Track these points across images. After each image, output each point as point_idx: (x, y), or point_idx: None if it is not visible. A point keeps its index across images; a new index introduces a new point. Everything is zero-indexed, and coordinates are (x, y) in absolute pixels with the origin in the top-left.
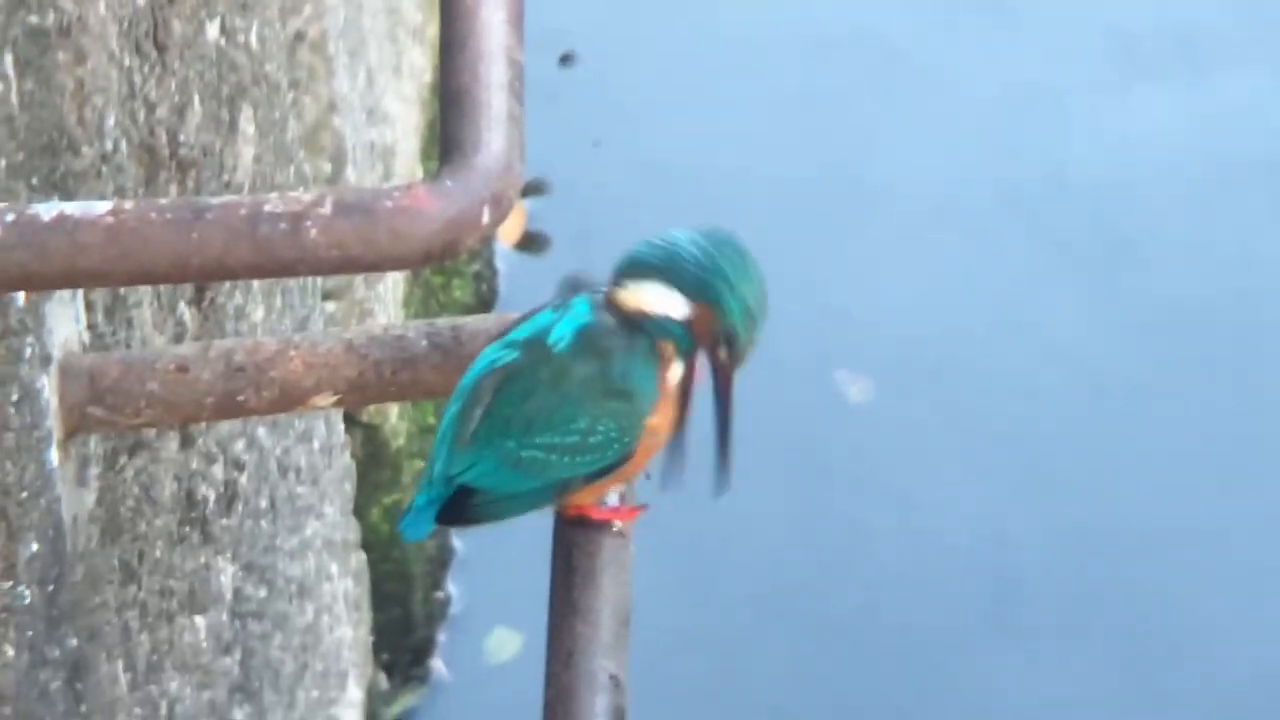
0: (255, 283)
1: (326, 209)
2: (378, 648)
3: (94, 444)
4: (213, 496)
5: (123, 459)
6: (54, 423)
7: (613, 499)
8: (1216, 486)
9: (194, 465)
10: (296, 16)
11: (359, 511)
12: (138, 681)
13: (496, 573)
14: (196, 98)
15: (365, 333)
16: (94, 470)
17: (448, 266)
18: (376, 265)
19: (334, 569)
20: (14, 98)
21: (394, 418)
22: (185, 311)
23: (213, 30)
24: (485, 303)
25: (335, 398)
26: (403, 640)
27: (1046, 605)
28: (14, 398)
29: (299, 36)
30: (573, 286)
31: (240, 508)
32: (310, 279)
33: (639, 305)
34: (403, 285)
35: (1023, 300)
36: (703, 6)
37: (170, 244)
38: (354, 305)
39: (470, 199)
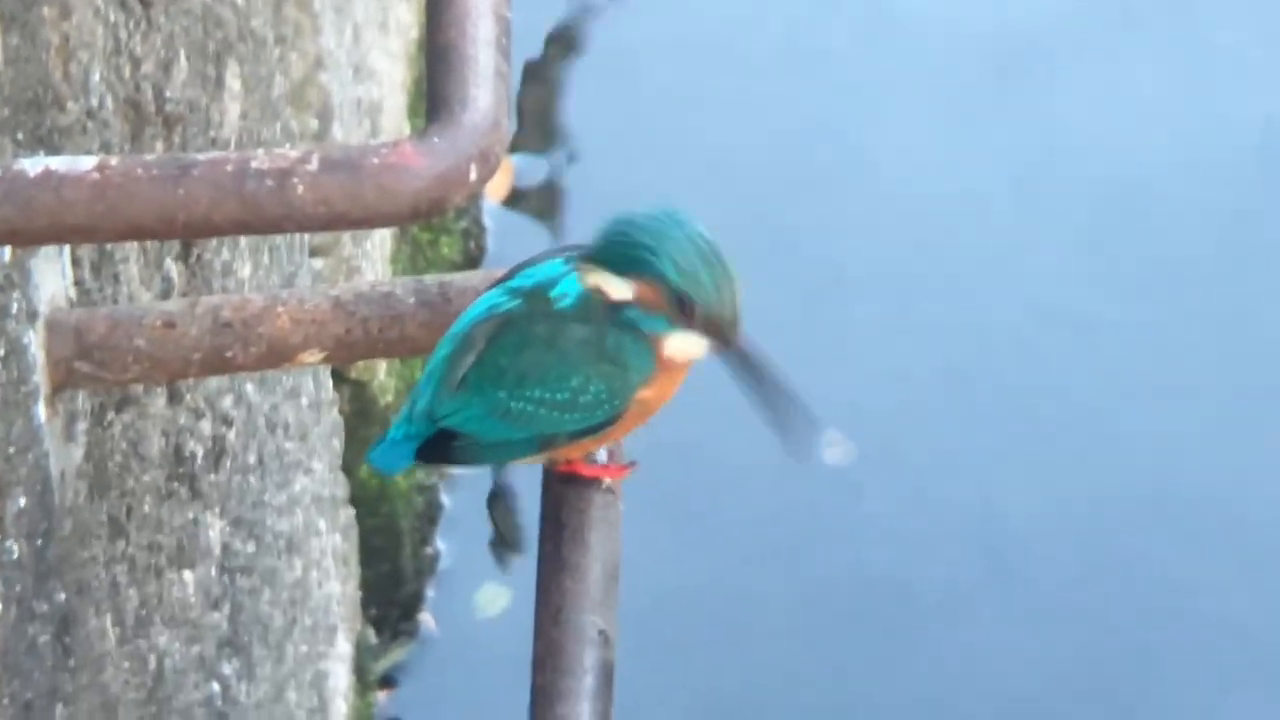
0: (242, 239)
1: (313, 165)
2: (366, 603)
3: (81, 400)
4: (201, 452)
5: (110, 414)
6: (41, 378)
7: (602, 456)
8: (1213, 449)
9: (182, 421)
10: None
11: (347, 467)
12: (126, 636)
13: (485, 528)
14: (182, 53)
15: (353, 289)
16: (81, 426)
17: (435, 223)
18: (364, 222)
19: (322, 524)
20: None
21: (382, 374)
22: (172, 268)
23: None
24: (473, 259)
25: (323, 354)
26: (391, 595)
27: (1040, 564)
28: (1, 353)
29: None
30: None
31: (228, 463)
32: (297, 236)
33: (596, 284)
34: (390, 242)
35: (1017, 259)
36: None
37: (156, 200)
38: (341, 262)
39: (457, 155)
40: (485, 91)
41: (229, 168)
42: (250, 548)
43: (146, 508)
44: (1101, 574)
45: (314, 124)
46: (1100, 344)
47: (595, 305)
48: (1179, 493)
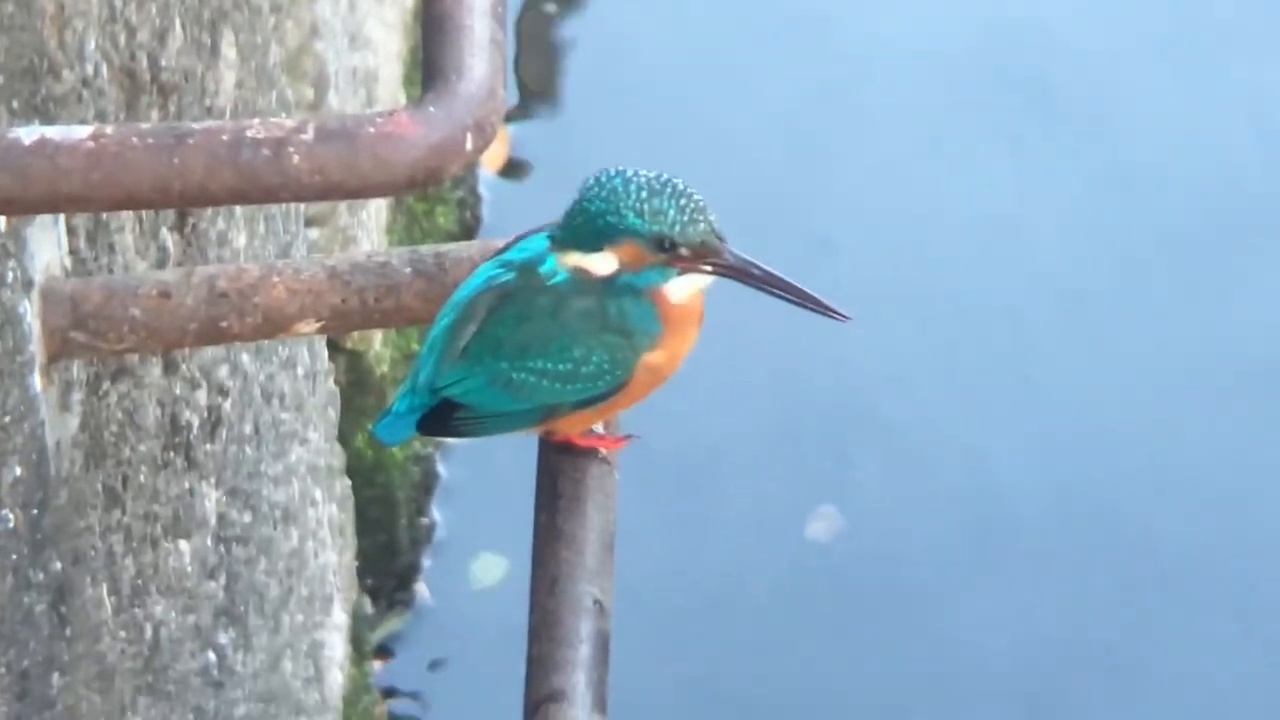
0: (238, 209)
1: (309, 135)
2: (362, 573)
3: (77, 369)
4: (196, 422)
5: (106, 384)
6: (36, 348)
7: (599, 427)
8: (1206, 421)
9: (177, 391)
10: None
11: (343, 438)
12: (122, 605)
13: (482, 498)
14: (178, 22)
15: (349, 259)
16: (77, 395)
17: (431, 193)
18: (359, 192)
19: (318, 494)
20: None
21: (378, 344)
22: (168, 237)
23: None
24: (469, 230)
25: (318, 324)
26: (388, 565)
27: (1031, 538)
28: None
29: None
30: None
31: (224, 433)
32: (293, 205)
33: (575, 265)
34: (386, 212)
35: (1009, 226)
36: None
37: (152, 169)
38: (337, 232)
39: (453, 125)
40: (481, 61)
41: (224, 137)
42: (246, 518)
43: (142, 477)
44: (1093, 547)
45: (309, 93)
46: (1093, 317)
47: (586, 282)
48: (1171, 465)
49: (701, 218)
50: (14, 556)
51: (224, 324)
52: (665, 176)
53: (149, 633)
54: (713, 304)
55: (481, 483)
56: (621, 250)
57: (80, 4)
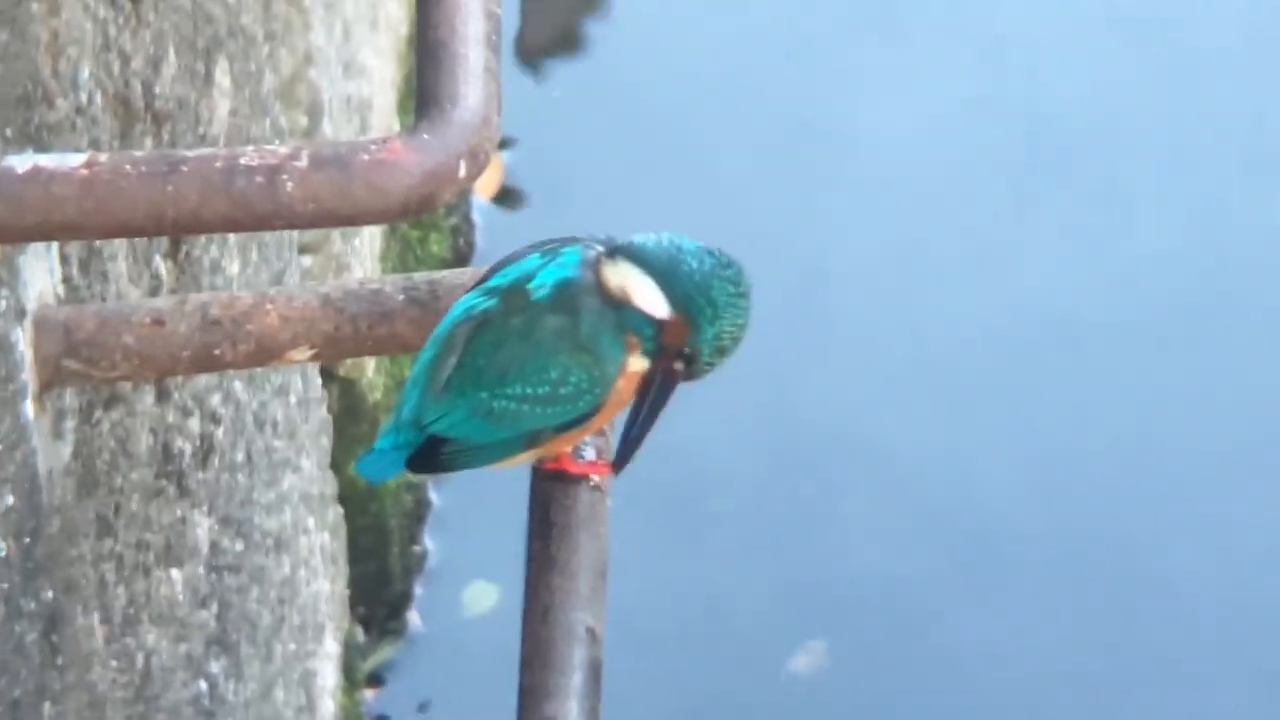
0: (231, 236)
1: (303, 162)
2: (354, 601)
3: (69, 397)
4: (189, 450)
5: (98, 412)
6: (29, 376)
7: (590, 454)
8: (1190, 436)
9: (170, 419)
10: None
11: (336, 465)
12: (114, 634)
13: (474, 526)
14: (171, 50)
15: (342, 287)
16: (70, 423)
17: (425, 220)
18: (353, 219)
19: (311, 523)
20: None
21: (371, 372)
22: (161, 265)
23: None
24: (462, 257)
25: (312, 352)
26: (380, 593)
27: (1023, 560)
28: None
29: None
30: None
31: (217, 461)
32: (286, 233)
33: (624, 289)
34: (380, 239)
35: (999, 254)
36: None
37: (146, 197)
38: (330, 259)
39: (447, 153)
40: (475, 89)
41: (218, 164)
42: (238, 546)
43: (134, 506)
44: (1085, 569)
45: (304, 121)
46: (1083, 343)
47: (573, 296)
48: (1162, 490)
49: (718, 367)
50: (5, 585)
51: (217, 351)
52: (746, 320)
53: (141, 662)
54: None
55: (473, 510)
56: (677, 324)
57: (74, 32)
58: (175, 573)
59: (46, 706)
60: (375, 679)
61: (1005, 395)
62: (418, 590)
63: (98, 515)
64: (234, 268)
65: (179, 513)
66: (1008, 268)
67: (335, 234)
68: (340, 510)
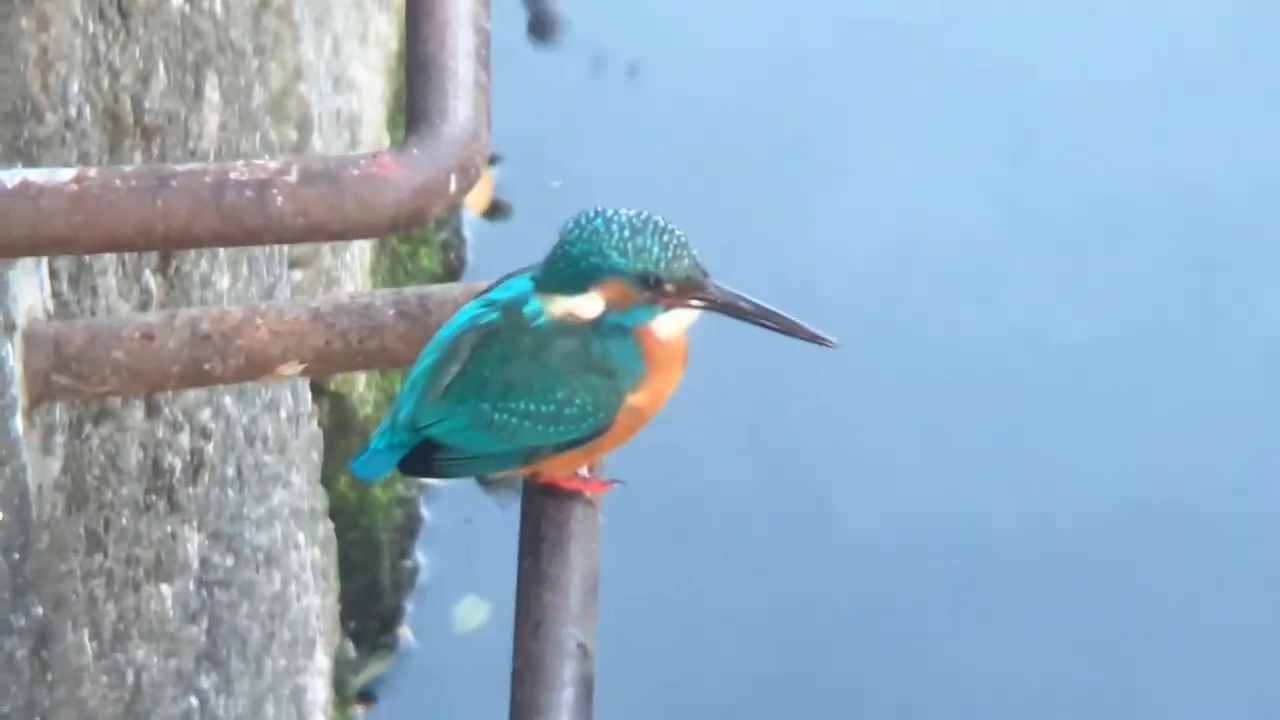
0: (221, 251)
1: (292, 177)
2: (345, 616)
3: (59, 412)
4: (179, 465)
5: (88, 427)
6: (19, 390)
7: (583, 470)
8: (1184, 459)
9: (160, 434)
10: None
11: (326, 480)
12: (104, 650)
13: (465, 541)
14: (161, 64)
15: (332, 301)
16: (59, 438)
17: (415, 235)
18: (343, 233)
19: (301, 538)
20: None
21: (361, 386)
22: (151, 279)
23: None
24: (453, 271)
25: (302, 366)
26: (371, 609)
27: (1013, 577)
28: None
29: (264, 3)
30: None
31: (207, 476)
32: (277, 247)
33: (570, 313)
34: (370, 254)
35: (990, 269)
36: None
37: (135, 211)
38: (321, 274)
39: (437, 167)
40: (465, 103)
41: (208, 179)
42: (229, 561)
43: (124, 521)
44: (1075, 587)
45: (293, 135)
46: (1075, 360)
47: (570, 324)
48: (1152, 506)
49: (685, 253)
50: None
51: (207, 366)
52: (646, 214)
53: (130, 678)
54: (695, 347)
55: (465, 526)
56: (607, 290)
57: (64, 47)
58: (165, 588)
59: None
60: (366, 694)
61: (996, 415)
62: (409, 605)
63: (87, 530)
64: (224, 282)
65: (169, 528)
66: (999, 287)
67: (325, 248)
68: (331, 525)
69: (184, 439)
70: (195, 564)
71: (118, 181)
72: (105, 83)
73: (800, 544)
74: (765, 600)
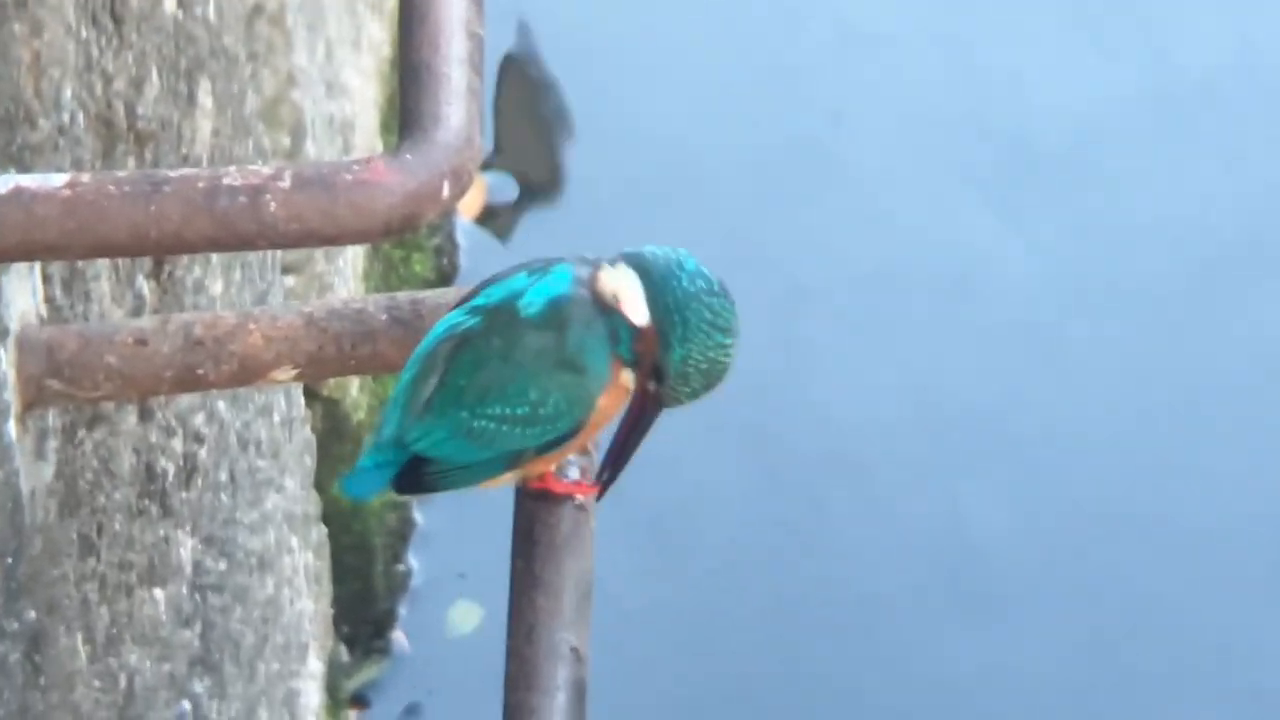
0: (214, 256)
1: (286, 182)
2: (338, 620)
3: (52, 417)
4: (172, 470)
5: (81, 432)
6: (11, 396)
7: (574, 473)
8: (1176, 459)
9: (153, 438)
10: None
11: (319, 485)
12: (97, 654)
13: (458, 545)
14: (154, 70)
15: (325, 306)
16: (52, 443)
17: (408, 240)
18: (336, 239)
19: (294, 542)
20: None
21: (354, 391)
22: (144, 285)
23: (170, 3)
24: (445, 277)
25: (295, 371)
26: (364, 613)
27: (1005, 577)
28: None
29: (257, 9)
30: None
31: (200, 481)
32: (269, 253)
33: (615, 292)
34: (363, 259)
35: (984, 273)
36: None
37: (128, 217)
38: (313, 279)
39: (430, 173)
40: (458, 109)
41: (201, 184)
42: (222, 565)
43: (117, 525)
44: (1066, 587)
45: (286, 141)
46: (1067, 362)
47: (561, 312)
48: (1142, 506)
49: (687, 397)
50: None
51: (200, 371)
52: (729, 359)
53: (123, 682)
54: None
55: (458, 530)
56: (649, 334)
57: (57, 53)
58: (158, 592)
59: None
60: (359, 699)
61: (990, 413)
62: (402, 610)
63: (80, 535)
64: (217, 287)
65: (162, 532)
66: (991, 287)
67: (318, 254)
68: (324, 529)
69: (177, 444)
70: (188, 568)
71: (111, 187)
72: (98, 88)
73: (793, 546)
74: (758, 602)
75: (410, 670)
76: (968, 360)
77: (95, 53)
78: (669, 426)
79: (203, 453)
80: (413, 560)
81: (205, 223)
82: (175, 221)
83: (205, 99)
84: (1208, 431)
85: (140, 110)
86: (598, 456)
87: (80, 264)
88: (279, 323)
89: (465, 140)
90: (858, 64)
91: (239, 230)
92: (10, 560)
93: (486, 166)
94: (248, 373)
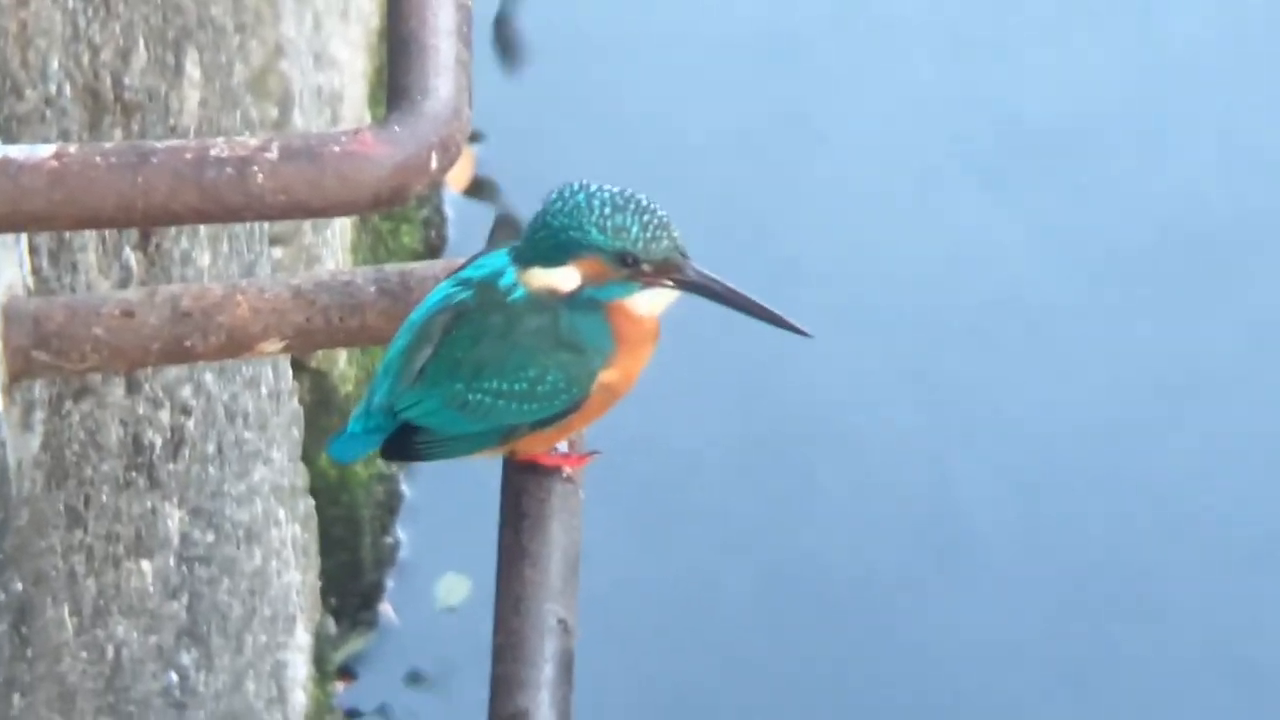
0: (202, 228)
1: (273, 154)
2: (326, 592)
3: (39, 389)
4: (159, 442)
5: (68, 404)
6: None
7: (562, 445)
8: (1163, 430)
9: (140, 410)
10: None
11: (307, 457)
12: (84, 626)
13: (446, 518)
14: (141, 41)
15: (313, 278)
16: (39, 415)
17: (396, 213)
18: (324, 211)
19: (282, 514)
20: None
21: (342, 364)
22: (131, 256)
23: None
24: (434, 249)
25: (283, 343)
26: (351, 585)
27: (995, 550)
28: None
29: None
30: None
31: (187, 453)
32: (257, 224)
33: (544, 285)
34: (351, 231)
35: (973, 245)
36: None
37: (115, 188)
38: (301, 251)
39: (418, 144)
40: (446, 80)
41: (188, 156)
42: (209, 537)
43: (104, 497)
44: (1056, 560)
45: (274, 112)
46: (1057, 335)
47: (545, 298)
48: (1134, 482)
49: (665, 234)
50: None
51: (187, 343)
52: (629, 192)
53: (111, 653)
54: (679, 321)
55: (445, 502)
56: (584, 265)
57: (43, 23)
58: (145, 564)
59: (16, 698)
60: (346, 671)
61: (980, 387)
62: (389, 582)
63: (67, 507)
64: (204, 259)
65: (149, 504)
66: (981, 260)
67: (306, 226)
68: (311, 502)
69: (164, 416)
70: (175, 540)
71: (98, 158)
72: (85, 59)
73: (784, 519)
74: (746, 574)
75: (398, 643)
76: (957, 334)
77: (82, 23)
78: (659, 398)
79: (190, 425)
80: (400, 533)
81: (192, 194)
82: (162, 193)
83: (193, 70)
84: (1196, 407)
85: (127, 81)
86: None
87: (67, 235)
88: (267, 295)
89: (453, 112)
90: (850, 40)
91: (226, 202)
92: None
93: (474, 138)
94: (235, 345)
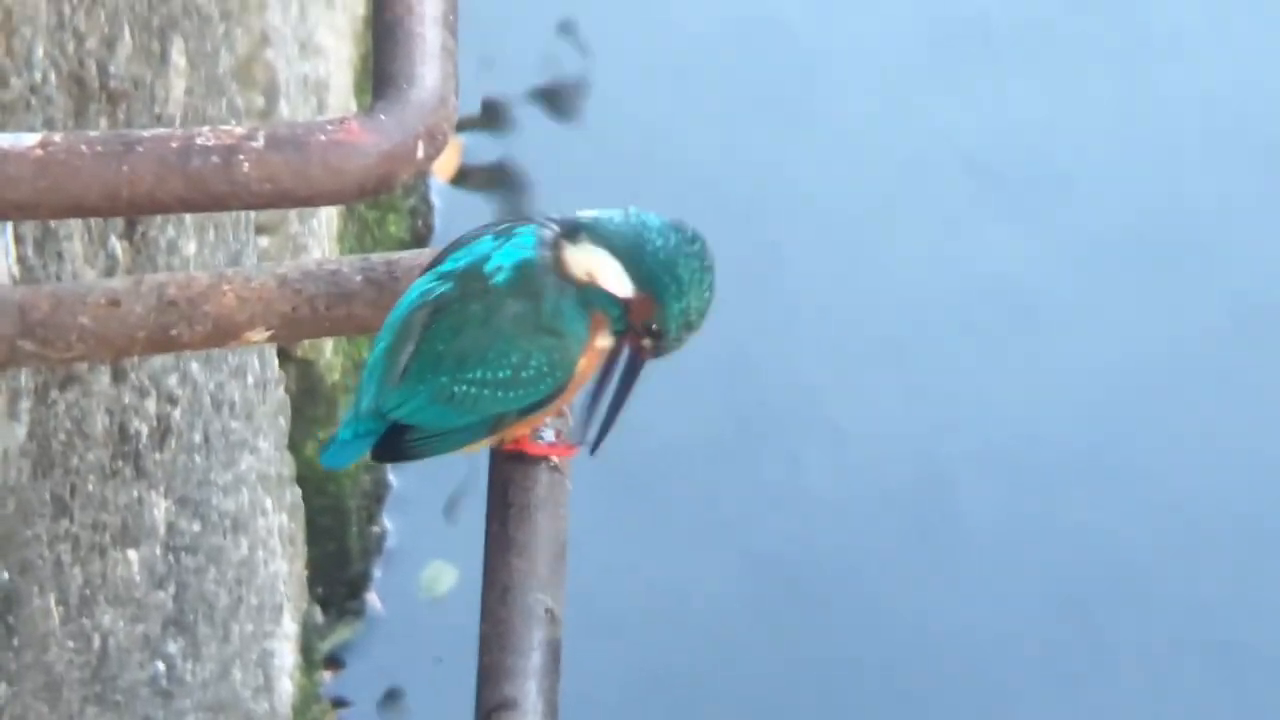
0: (187, 217)
1: (259, 142)
2: (313, 582)
3: (25, 377)
4: (145, 431)
5: (54, 393)
6: None
7: (549, 435)
8: (1149, 419)
9: (126, 399)
10: None
11: (293, 446)
12: (70, 615)
13: (433, 507)
14: (127, 29)
15: (299, 267)
16: (25, 404)
17: (382, 202)
18: (310, 200)
19: (268, 503)
20: None
21: (328, 353)
22: (116, 245)
23: None
24: (420, 238)
25: (269, 333)
26: (338, 574)
27: (980, 535)
28: None
29: None
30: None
31: (173, 442)
32: (243, 213)
33: (587, 270)
34: (337, 220)
35: (955, 232)
36: None
37: (100, 177)
38: (288, 240)
39: (404, 133)
40: (432, 69)
41: (174, 144)
42: (195, 526)
43: (90, 486)
44: (1043, 547)
45: (260, 101)
46: (1042, 321)
47: (531, 277)
48: (1120, 469)
49: (689, 336)
50: None
51: (173, 332)
52: (711, 294)
53: (97, 642)
54: None
55: (432, 492)
56: (642, 303)
57: (28, 10)
58: (132, 553)
59: (2, 687)
60: (334, 660)
61: (966, 373)
62: (376, 571)
63: (53, 496)
64: (190, 248)
65: (135, 493)
66: (968, 245)
67: (292, 215)
68: (298, 491)
69: (150, 405)
70: (162, 529)
71: (83, 147)
72: (70, 47)
73: (769, 504)
74: (734, 563)
75: (385, 632)
76: (945, 317)
77: (67, 11)
78: (643, 385)
79: (176, 414)
80: (388, 522)
81: (178, 183)
82: (148, 181)
83: (178, 58)
84: (1184, 389)
85: (113, 69)
86: (573, 418)
87: (53, 224)
88: (253, 284)
89: (440, 100)
90: (835, 18)
91: (212, 190)
92: None
93: (462, 127)
94: (221, 334)
